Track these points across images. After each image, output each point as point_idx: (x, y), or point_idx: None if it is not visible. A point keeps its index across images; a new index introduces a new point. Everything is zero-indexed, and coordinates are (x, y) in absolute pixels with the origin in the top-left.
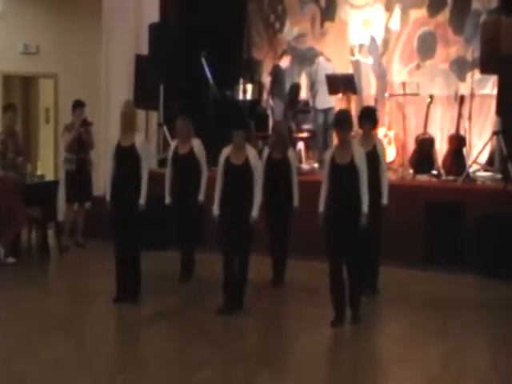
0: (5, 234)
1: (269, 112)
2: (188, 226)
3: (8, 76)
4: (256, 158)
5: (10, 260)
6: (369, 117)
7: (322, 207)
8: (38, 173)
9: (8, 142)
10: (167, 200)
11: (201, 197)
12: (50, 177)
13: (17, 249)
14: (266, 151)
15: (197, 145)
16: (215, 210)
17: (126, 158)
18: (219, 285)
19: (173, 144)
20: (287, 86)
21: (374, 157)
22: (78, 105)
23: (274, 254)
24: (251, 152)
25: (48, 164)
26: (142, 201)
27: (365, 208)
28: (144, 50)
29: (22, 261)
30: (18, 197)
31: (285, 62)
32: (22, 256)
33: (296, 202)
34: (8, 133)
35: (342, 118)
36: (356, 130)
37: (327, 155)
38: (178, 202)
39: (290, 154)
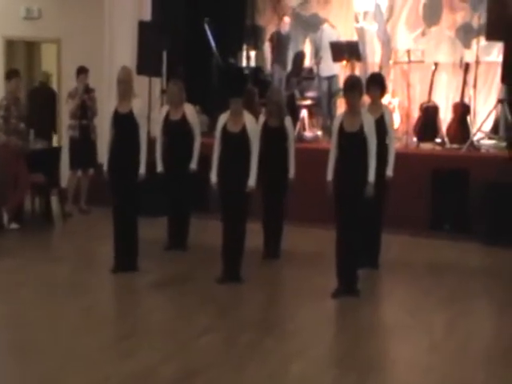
0: (8, 200)
1: (267, 78)
2: (180, 194)
3: (10, 41)
4: (254, 126)
5: (14, 226)
6: (377, 83)
7: (329, 176)
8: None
9: (11, 108)
10: (159, 168)
11: (193, 165)
12: (53, 143)
13: (20, 215)
14: (262, 119)
15: (189, 110)
16: (213, 177)
17: (124, 125)
18: (220, 252)
19: (163, 109)
20: (290, 53)
21: (382, 125)
22: (82, 71)
23: (267, 227)
24: (249, 119)
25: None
26: (142, 170)
27: (371, 177)
28: (147, 16)
29: (25, 227)
30: (22, 163)
31: (285, 26)
32: (26, 222)
33: (292, 174)
34: (11, 99)
35: (353, 83)
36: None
37: (336, 122)
38: (170, 170)
39: (287, 122)
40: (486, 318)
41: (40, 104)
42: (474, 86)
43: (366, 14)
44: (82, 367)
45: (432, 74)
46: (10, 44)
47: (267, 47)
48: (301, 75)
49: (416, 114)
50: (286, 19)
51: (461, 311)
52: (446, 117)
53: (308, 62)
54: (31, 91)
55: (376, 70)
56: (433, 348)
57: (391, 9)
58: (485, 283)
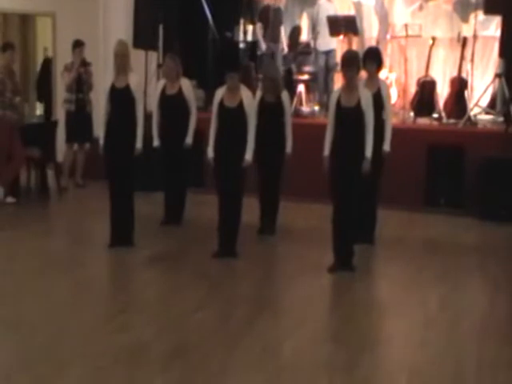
0: (4, 174)
1: (259, 53)
2: (176, 169)
3: (5, 14)
4: (250, 101)
5: (10, 200)
6: (374, 57)
7: (326, 151)
8: (37, 113)
9: (6, 82)
10: (155, 143)
11: (188, 140)
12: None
13: (16, 189)
14: (259, 93)
15: (186, 85)
16: (210, 152)
17: (121, 99)
18: (216, 228)
19: (160, 84)
20: (284, 27)
21: (379, 100)
22: (78, 44)
23: (263, 202)
24: (245, 94)
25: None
26: (139, 144)
27: (368, 153)
28: None
29: (21, 201)
30: (17, 136)
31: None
32: (22, 196)
33: (289, 149)
34: (6, 72)
35: (350, 58)
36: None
37: (333, 98)
38: (166, 144)
39: (284, 97)
40: (481, 293)
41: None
42: (472, 61)
43: None
44: (76, 341)
45: (429, 49)
46: (5, 17)
47: (259, 28)
48: (297, 50)
49: (413, 88)
50: None
51: (455, 287)
52: (443, 92)
53: (305, 37)
54: (45, 61)
55: (373, 44)
56: (427, 323)
57: None
58: (479, 259)
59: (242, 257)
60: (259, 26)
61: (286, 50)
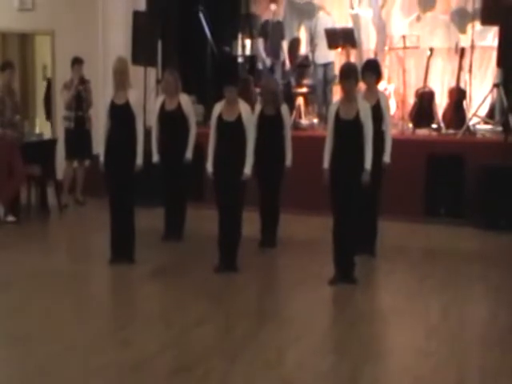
0: (4, 192)
1: (259, 67)
2: (176, 184)
3: (4, 33)
4: (249, 115)
5: (10, 218)
6: (373, 69)
7: (326, 163)
8: (37, 131)
9: (6, 100)
10: (155, 158)
11: (188, 155)
12: (47, 134)
13: (16, 207)
14: (259, 107)
15: (185, 100)
16: (209, 166)
17: (121, 116)
18: (216, 242)
19: (159, 99)
20: (284, 40)
21: (378, 112)
22: (76, 61)
23: (264, 215)
24: (244, 108)
25: (45, 121)
26: (139, 160)
27: (368, 165)
28: (142, 5)
29: (21, 219)
30: (17, 154)
31: (270, 14)
32: (22, 214)
33: (288, 162)
34: (6, 91)
35: (348, 70)
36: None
37: (331, 110)
38: (165, 160)
39: (284, 110)
40: (482, 302)
41: None
42: (470, 71)
43: (360, 0)
44: (79, 357)
45: (427, 60)
46: (5, 36)
47: (260, 43)
48: (296, 63)
49: (412, 99)
50: (272, 7)
51: (457, 296)
52: (441, 102)
53: (304, 50)
54: (49, 80)
55: (371, 56)
56: (429, 333)
57: None
58: (481, 268)
59: (243, 269)
60: (260, 40)
61: (288, 64)
